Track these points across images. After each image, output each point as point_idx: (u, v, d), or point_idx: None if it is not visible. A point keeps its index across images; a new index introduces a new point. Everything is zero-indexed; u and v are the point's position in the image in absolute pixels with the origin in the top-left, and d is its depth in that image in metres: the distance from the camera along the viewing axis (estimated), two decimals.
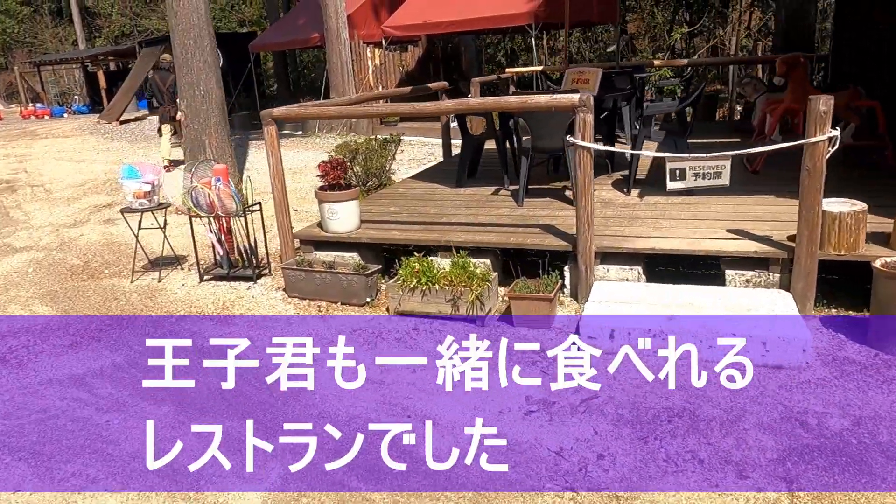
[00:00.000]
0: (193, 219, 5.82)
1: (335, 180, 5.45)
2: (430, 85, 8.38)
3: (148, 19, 35.03)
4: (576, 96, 4.46)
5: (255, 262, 5.81)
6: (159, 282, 5.98)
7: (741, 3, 19.10)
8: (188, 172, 5.74)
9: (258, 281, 5.67)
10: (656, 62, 11.89)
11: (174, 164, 10.76)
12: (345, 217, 5.46)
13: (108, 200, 9.88)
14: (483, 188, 6.81)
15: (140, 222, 6.09)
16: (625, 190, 6.15)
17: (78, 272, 6.48)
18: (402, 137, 10.83)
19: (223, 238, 5.78)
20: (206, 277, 5.83)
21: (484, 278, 4.49)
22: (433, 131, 15.12)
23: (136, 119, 22.21)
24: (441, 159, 9.31)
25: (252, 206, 5.68)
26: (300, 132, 16.92)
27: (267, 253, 5.98)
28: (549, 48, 25.26)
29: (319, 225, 5.71)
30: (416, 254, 4.83)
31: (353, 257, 5.45)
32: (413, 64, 17.42)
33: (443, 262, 4.81)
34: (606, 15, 15.34)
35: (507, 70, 12.24)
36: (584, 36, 23.54)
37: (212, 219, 5.69)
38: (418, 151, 12.61)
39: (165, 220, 6.12)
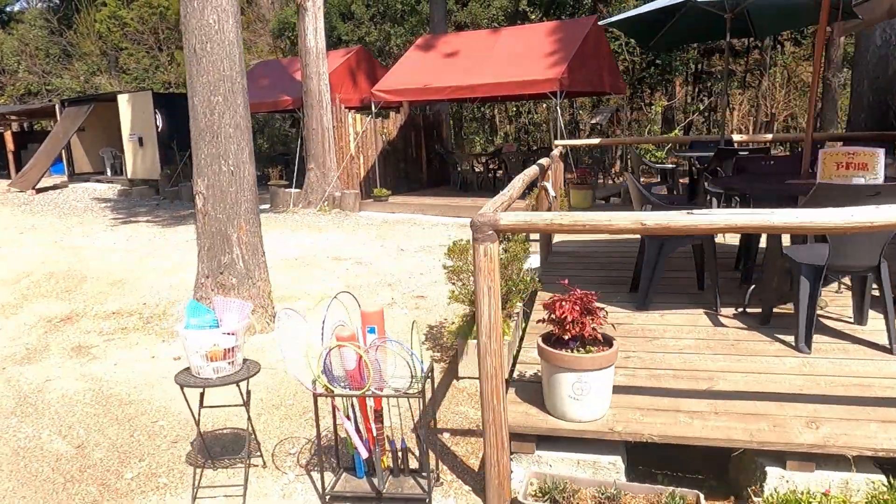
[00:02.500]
0: (317, 396, 3.30)
1: (578, 331, 3.10)
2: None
3: (60, 77, 31.32)
4: None
5: (424, 464, 3.32)
6: None
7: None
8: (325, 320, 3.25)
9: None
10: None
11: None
12: (598, 394, 3.11)
13: (64, 309, 6.97)
14: (678, 309, 4.64)
15: (203, 396, 3.49)
16: None
17: (74, 478, 3.72)
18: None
19: (368, 426, 3.28)
20: (332, 493, 3.28)
21: None
22: (435, 208, 12.93)
23: (56, 187, 18.74)
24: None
25: (426, 375, 3.23)
26: (269, 206, 14.26)
27: (424, 441, 3.50)
28: (516, 116, 23.85)
29: (536, 402, 3.32)
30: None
31: (613, 465, 3.08)
32: (395, 132, 15.27)
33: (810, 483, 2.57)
34: (616, 87, 13.87)
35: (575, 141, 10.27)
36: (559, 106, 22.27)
37: (355, 399, 3.20)
38: (436, 234, 10.33)
39: (248, 392, 3.53)
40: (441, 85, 12.57)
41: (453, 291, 4.75)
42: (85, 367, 5.30)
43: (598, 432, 3.08)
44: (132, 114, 18.18)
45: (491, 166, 14.87)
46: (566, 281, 3.26)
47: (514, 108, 23.31)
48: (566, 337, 3.11)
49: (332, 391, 3.13)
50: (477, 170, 14.76)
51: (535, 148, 18.52)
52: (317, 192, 13.76)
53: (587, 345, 3.12)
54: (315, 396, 3.15)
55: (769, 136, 9.15)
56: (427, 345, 5.49)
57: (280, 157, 18.22)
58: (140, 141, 17.97)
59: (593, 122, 17.77)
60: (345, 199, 13.44)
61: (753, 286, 4.60)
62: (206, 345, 3.17)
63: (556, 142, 9.51)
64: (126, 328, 6.29)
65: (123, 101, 18.32)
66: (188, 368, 3.38)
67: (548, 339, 3.24)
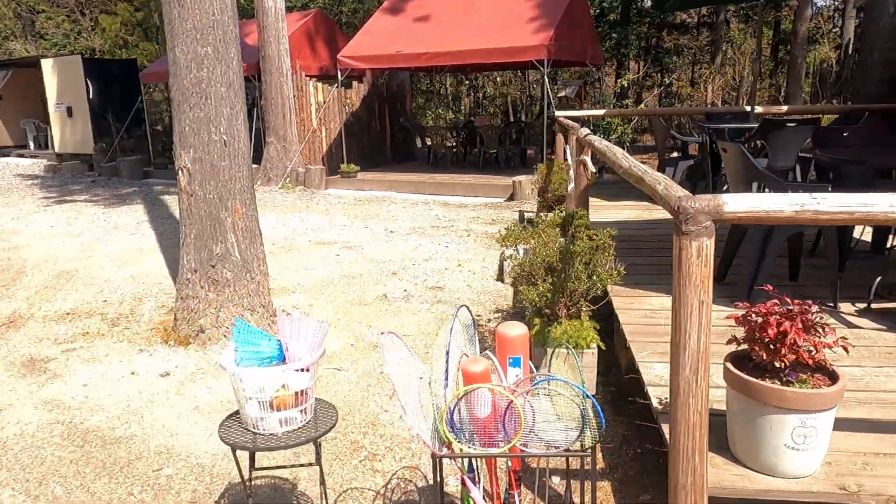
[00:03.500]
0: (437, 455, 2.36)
1: (790, 355, 2.24)
2: None
3: None
4: None
5: None
6: None
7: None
8: (447, 345, 2.28)
9: None
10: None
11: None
12: (823, 441, 2.26)
13: (3, 310, 5.68)
14: None
15: (253, 458, 2.46)
16: None
17: None
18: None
19: (496, 491, 2.35)
20: None
21: None
22: (409, 185, 11.89)
23: None
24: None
25: (600, 424, 2.29)
26: None
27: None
28: (472, 89, 22.88)
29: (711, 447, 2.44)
30: None
31: None
32: (358, 103, 14.08)
33: None
34: (595, 57, 13.11)
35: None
36: (526, 80, 21.47)
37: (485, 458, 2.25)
38: (421, 214, 9.34)
39: (319, 454, 2.50)
40: (416, 52, 11.47)
41: (526, 289, 3.82)
42: (45, 391, 4.13)
43: (825, 493, 2.24)
44: (59, 81, 16.27)
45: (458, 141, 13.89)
46: (770, 287, 2.40)
47: (476, 80, 22.34)
48: (778, 364, 2.24)
49: (460, 448, 2.17)
50: (448, 144, 13.75)
51: (511, 121, 17.67)
52: (277, 168, 12.50)
53: (814, 376, 2.27)
54: (437, 458, 2.19)
55: (784, 108, 8.55)
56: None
57: None
58: (69, 111, 16.12)
59: (561, 95, 17.00)
60: (310, 175, 12.24)
61: (880, 277, 3.86)
62: (271, 388, 2.15)
63: (558, 113, 8.64)
64: (88, 333, 5.10)
65: (48, 67, 16.37)
66: (236, 414, 2.35)
67: (740, 363, 2.37)
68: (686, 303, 2.02)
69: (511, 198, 10.65)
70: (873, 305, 3.84)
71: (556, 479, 2.98)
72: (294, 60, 12.77)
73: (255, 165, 12.68)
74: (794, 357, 2.24)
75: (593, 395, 2.94)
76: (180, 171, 4.64)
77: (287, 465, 3.01)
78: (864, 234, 5.26)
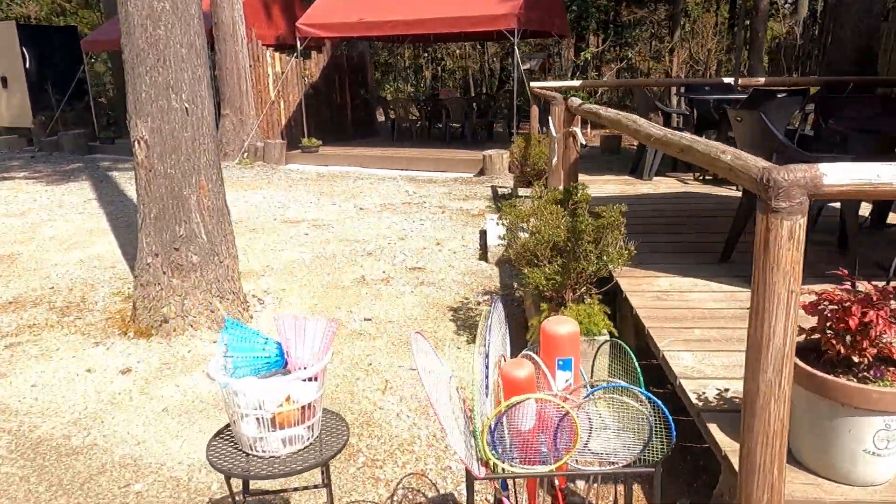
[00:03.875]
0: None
1: (871, 349, 1.96)
2: None
3: None
4: None
5: None
6: None
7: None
8: (482, 343, 1.92)
9: None
10: None
11: None
12: None
13: None
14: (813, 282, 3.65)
15: (248, 482, 2.06)
16: None
17: None
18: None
19: None
20: None
21: None
22: (374, 161, 11.41)
23: None
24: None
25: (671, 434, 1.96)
26: None
27: None
28: (430, 62, 22.31)
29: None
30: None
31: None
32: (317, 74, 13.47)
33: None
34: (562, 29, 12.78)
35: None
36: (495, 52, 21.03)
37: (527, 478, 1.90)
38: (390, 190, 8.91)
39: (328, 477, 2.12)
40: (381, 19, 10.93)
41: (532, 271, 3.48)
42: None
43: None
44: None
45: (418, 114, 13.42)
46: (844, 270, 2.10)
47: (434, 53, 21.77)
48: (857, 359, 1.96)
49: (502, 468, 1.82)
50: (412, 118, 13.27)
51: (476, 94, 17.24)
52: (234, 142, 11.85)
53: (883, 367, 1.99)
54: (471, 478, 1.83)
55: (762, 80, 8.36)
56: (463, 335, 4.22)
57: None
58: (4, 82, 15.02)
59: (525, 67, 16.62)
60: (269, 150, 11.64)
61: None
62: (272, 402, 1.76)
63: (534, 84, 8.29)
64: (36, 325, 4.58)
65: None
66: (226, 431, 1.96)
67: (804, 357, 2.07)
68: (772, 293, 1.70)
69: (481, 172, 10.30)
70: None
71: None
72: (249, 28, 12.07)
73: None
74: (875, 351, 1.95)
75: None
76: (137, 144, 4.13)
77: (289, 489, 2.62)
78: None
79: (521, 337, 4.12)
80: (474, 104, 12.78)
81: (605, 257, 3.43)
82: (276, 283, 5.31)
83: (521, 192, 7.20)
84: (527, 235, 3.79)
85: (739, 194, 6.07)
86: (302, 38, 11.47)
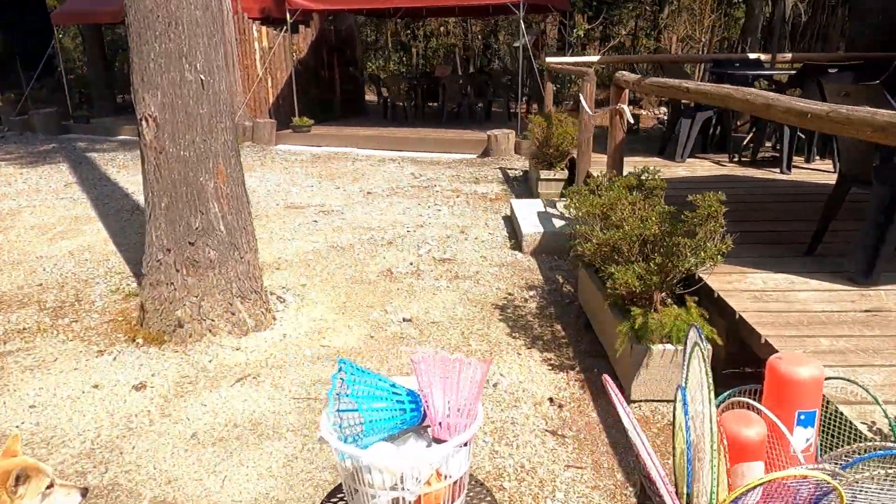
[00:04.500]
0: None
1: None
2: None
3: None
4: None
5: None
6: None
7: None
8: None
9: None
10: None
11: None
12: None
13: None
14: None
15: None
16: None
17: None
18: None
19: None
20: None
21: None
22: (370, 141, 10.80)
23: None
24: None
25: None
26: None
27: None
28: (413, 38, 21.59)
29: None
30: None
31: None
32: (305, 50, 12.76)
33: None
34: (562, 3, 12.25)
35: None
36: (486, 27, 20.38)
37: None
38: (392, 172, 8.34)
39: None
40: None
41: (620, 270, 3.00)
42: None
43: None
44: None
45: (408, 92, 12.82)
46: None
47: (419, 30, 21.05)
48: None
49: None
50: (405, 96, 12.65)
51: (473, 71, 16.63)
52: None
53: None
54: None
55: (788, 56, 7.94)
56: (520, 339, 3.74)
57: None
58: None
59: (516, 44, 16.07)
60: (258, 130, 10.96)
61: None
62: (417, 479, 1.26)
63: (549, 59, 7.78)
64: (26, 330, 3.99)
65: None
66: (337, 494, 1.45)
67: None
68: None
69: (485, 153, 9.78)
70: None
71: None
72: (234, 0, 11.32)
73: None
74: None
75: None
76: (144, 122, 3.54)
77: None
78: None
79: (585, 342, 3.65)
80: (475, 82, 12.20)
81: (702, 253, 2.96)
82: (294, 277, 4.77)
83: (543, 174, 6.71)
84: (591, 229, 3.31)
85: (784, 177, 5.67)
86: (292, 10, 10.77)
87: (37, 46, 13.77)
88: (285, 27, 11.41)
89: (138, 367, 3.48)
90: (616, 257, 3.15)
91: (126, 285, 4.67)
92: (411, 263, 5.01)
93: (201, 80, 3.54)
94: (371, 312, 4.14)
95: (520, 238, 5.28)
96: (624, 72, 4.63)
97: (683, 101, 6.29)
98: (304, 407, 3.07)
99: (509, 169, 8.65)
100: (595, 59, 7.67)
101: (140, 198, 7.25)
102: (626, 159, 6.57)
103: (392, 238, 5.65)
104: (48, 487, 1.77)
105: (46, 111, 12.90)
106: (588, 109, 5.72)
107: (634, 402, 3.01)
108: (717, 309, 3.16)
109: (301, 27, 12.79)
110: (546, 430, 2.84)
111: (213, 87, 3.61)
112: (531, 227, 5.22)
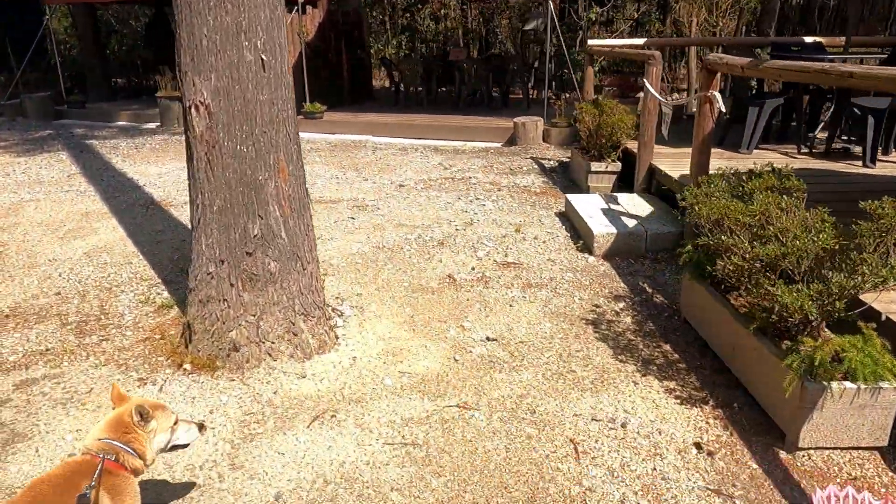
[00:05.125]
0: None
1: None
2: None
3: None
4: None
5: None
6: None
7: None
8: None
9: None
10: None
11: None
12: None
13: None
14: None
15: None
16: None
17: None
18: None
19: None
20: None
21: None
22: (386, 128, 10.20)
23: None
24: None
25: None
26: (159, 124, 10.83)
27: None
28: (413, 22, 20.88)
29: None
30: None
31: None
32: (313, 32, 12.09)
33: None
34: None
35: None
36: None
37: None
38: (419, 162, 7.76)
39: None
40: None
41: (786, 290, 2.48)
42: (4, 471, 2.50)
43: None
44: None
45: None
46: None
47: (418, 13, 20.33)
48: None
49: None
50: (418, 81, 12.03)
51: (492, 54, 15.98)
52: None
53: None
54: None
55: (841, 39, 7.43)
56: (629, 363, 3.22)
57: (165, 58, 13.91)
58: None
59: (527, 28, 15.45)
60: None
61: None
62: None
63: (591, 42, 7.22)
64: (50, 351, 3.42)
65: None
66: None
67: None
68: None
69: (510, 142, 9.22)
70: None
71: None
72: None
73: None
74: None
75: None
76: (194, 110, 2.96)
77: None
78: None
79: (706, 367, 3.14)
80: (493, 66, 11.60)
81: (884, 270, 2.45)
82: (346, 285, 4.22)
83: (594, 166, 6.17)
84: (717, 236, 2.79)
85: (868, 171, 5.19)
86: None
87: (27, 27, 12.97)
88: (296, 7, 10.73)
89: (191, 401, 2.93)
90: (770, 276, 2.63)
91: (156, 294, 4.10)
92: (473, 268, 4.47)
93: (262, 60, 2.96)
94: (446, 329, 3.60)
95: (588, 239, 4.76)
96: (721, 54, 4.09)
97: (751, 88, 5.77)
98: (404, 456, 2.54)
99: (542, 159, 8.11)
100: (641, 41, 7.12)
101: (152, 191, 6.63)
102: (682, 149, 6.06)
103: (442, 237, 5.11)
104: (174, 423, 1.96)
105: (39, 96, 12.15)
106: (656, 95, 5.18)
107: (802, 449, 2.50)
108: (888, 337, 2.66)
109: (308, 7, 12.11)
110: (708, 489, 2.33)
111: (275, 69, 3.04)
112: (601, 227, 4.69)
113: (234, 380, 3.09)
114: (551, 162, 7.92)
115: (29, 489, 1.67)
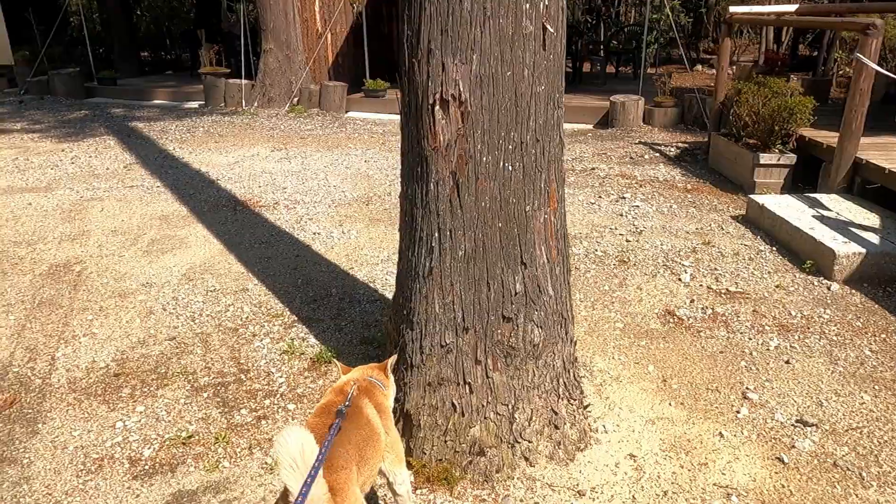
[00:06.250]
0: None
1: None
2: None
3: None
4: None
5: None
6: None
7: None
8: None
9: None
10: None
11: None
12: None
13: None
14: None
15: None
16: None
17: None
18: None
19: None
20: None
21: None
22: None
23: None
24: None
25: None
26: (203, 103, 9.74)
27: None
28: None
29: None
30: None
31: None
32: (365, 2, 10.91)
33: None
34: None
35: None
36: None
37: None
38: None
39: None
40: None
41: None
42: None
43: None
44: None
45: None
46: None
47: None
48: None
49: None
50: None
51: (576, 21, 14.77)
52: (279, 84, 9.39)
53: None
54: None
55: None
56: None
57: (219, 34, 12.63)
58: None
59: None
60: (326, 94, 9.22)
61: None
62: None
63: (733, 8, 6.13)
64: (191, 439, 2.42)
65: None
66: None
67: None
68: None
69: (604, 124, 8.15)
70: None
71: None
72: None
73: (247, 82, 9.50)
74: None
75: None
76: (439, 108, 1.93)
77: None
78: None
79: None
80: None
81: None
82: None
83: (763, 158, 5.13)
84: None
85: None
86: None
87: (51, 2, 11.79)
88: None
89: None
90: None
91: (300, 340, 3.10)
92: (692, 301, 3.46)
93: (545, 31, 1.92)
94: (726, 401, 2.61)
95: (821, 258, 3.74)
96: None
97: None
98: None
99: (656, 144, 7.06)
100: (792, 7, 6.02)
101: (230, 187, 5.60)
102: (886, 140, 4.98)
103: (617, 252, 4.09)
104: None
105: (67, 72, 11.01)
106: (885, 72, 4.12)
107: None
108: None
109: None
110: None
111: (555, 49, 1.99)
112: (839, 244, 3.68)
113: (484, 500, 2.10)
114: (670, 149, 6.87)
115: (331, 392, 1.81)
